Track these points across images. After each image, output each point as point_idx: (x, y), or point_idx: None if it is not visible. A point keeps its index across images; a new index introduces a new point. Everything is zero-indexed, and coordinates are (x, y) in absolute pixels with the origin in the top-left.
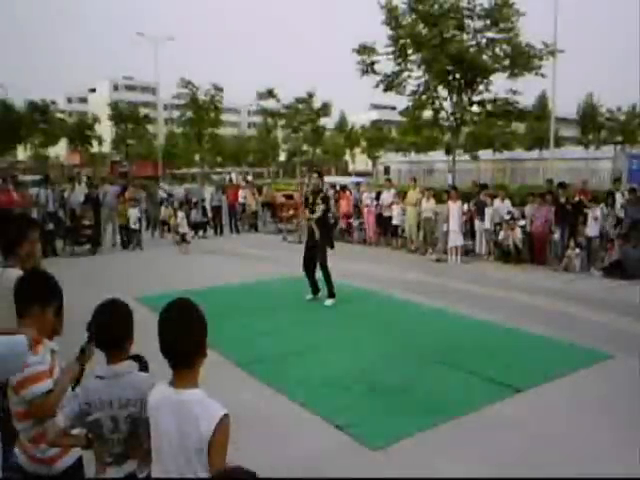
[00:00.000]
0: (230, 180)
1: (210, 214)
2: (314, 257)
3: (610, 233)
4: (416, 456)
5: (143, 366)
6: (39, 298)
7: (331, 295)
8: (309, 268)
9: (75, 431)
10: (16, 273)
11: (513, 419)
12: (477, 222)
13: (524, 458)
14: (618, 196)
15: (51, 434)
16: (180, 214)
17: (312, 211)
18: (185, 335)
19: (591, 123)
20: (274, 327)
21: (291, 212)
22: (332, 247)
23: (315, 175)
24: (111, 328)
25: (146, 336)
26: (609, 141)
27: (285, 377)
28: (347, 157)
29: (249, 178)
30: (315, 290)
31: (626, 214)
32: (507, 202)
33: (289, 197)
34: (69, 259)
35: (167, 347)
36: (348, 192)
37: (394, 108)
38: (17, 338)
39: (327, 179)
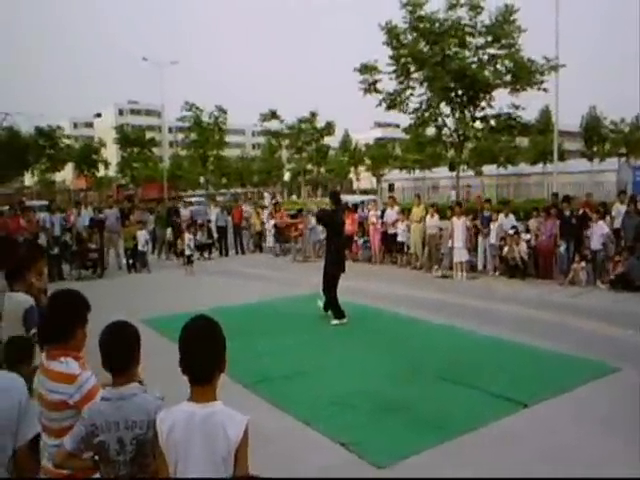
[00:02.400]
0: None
1: (215, 235)
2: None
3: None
4: (422, 473)
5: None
6: (82, 319)
7: (336, 316)
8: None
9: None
10: (24, 298)
11: (520, 434)
12: (482, 237)
13: (532, 473)
14: (620, 208)
15: (57, 456)
16: (188, 236)
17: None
18: (209, 351)
19: (595, 136)
20: (279, 347)
21: (295, 232)
22: (343, 271)
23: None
24: (117, 350)
25: (151, 357)
26: (613, 153)
27: (291, 396)
28: (351, 175)
29: (278, 198)
30: (340, 315)
31: (628, 226)
32: (511, 217)
33: (293, 216)
34: (76, 283)
35: (191, 363)
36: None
37: (398, 126)
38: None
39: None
